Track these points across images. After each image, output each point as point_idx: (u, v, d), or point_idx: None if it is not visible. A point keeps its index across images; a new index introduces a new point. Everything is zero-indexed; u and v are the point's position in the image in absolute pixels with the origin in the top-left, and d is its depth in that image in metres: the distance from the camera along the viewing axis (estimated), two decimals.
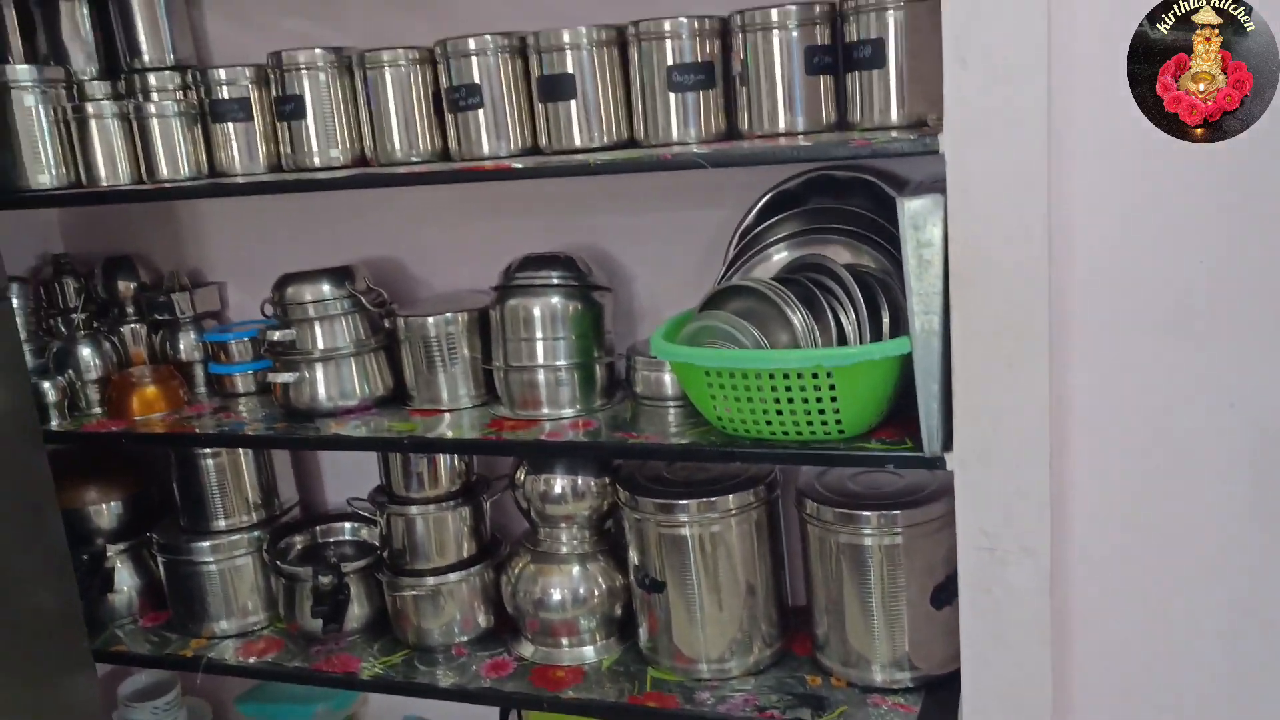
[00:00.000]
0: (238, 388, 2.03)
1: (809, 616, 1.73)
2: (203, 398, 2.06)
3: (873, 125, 1.51)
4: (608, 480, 1.79)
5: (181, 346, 2.07)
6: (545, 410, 1.73)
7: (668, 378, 1.70)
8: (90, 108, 1.81)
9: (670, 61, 1.57)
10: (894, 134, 1.44)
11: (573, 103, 1.62)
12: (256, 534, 2.02)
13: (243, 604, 2.03)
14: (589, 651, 1.82)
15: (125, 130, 1.83)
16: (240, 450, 2.00)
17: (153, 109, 1.80)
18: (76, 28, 1.94)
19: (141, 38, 1.92)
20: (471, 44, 1.65)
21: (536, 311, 1.71)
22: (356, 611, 1.95)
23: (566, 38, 1.61)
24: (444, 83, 1.70)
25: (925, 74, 1.41)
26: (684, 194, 1.80)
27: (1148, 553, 1.42)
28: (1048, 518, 1.38)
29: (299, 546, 2.05)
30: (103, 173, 1.83)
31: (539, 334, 1.72)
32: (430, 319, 1.80)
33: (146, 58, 1.93)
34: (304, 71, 1.76)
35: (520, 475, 1.82)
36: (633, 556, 1.74)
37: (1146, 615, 1.44)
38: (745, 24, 1.54)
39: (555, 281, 1.72)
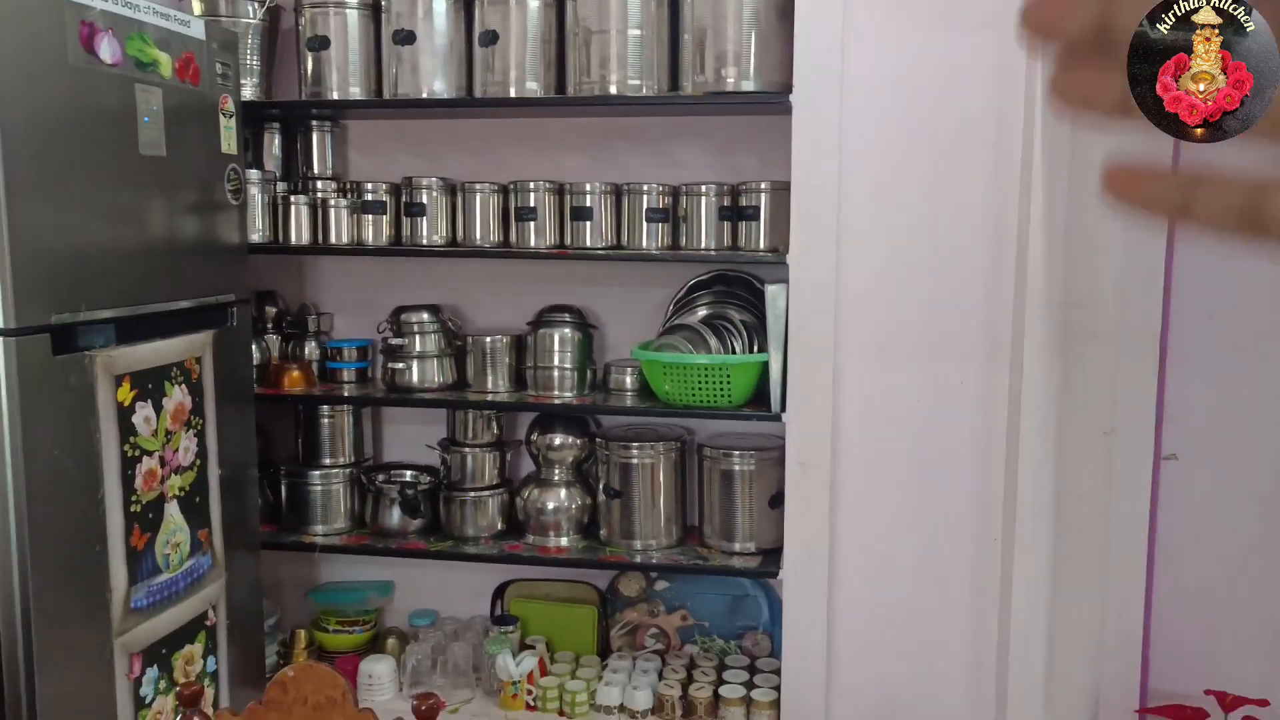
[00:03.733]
0: (343, 378, 3.20)
1: (699, 525, 3.05)
2: (318, 383, 3.22)
3: (751, 249, 2.92)
4: (586, 438, 3.08)
5: (306, 351, 3.24)
6: (556, 392, 3.02)
7: (628, 379, 3.03)
8: (293, 198, 3.02)
9: (645, 206, 2.95)
10: (762, 253, 2.86)
11: (588, 222, 2.97)
12: (349, 470, 3.18)
13: (335, 516, 3.17)
14: (566, 540, 3.07)
15: (310, 214, 3.04)
16: (344, 412, 3.17)
17: (332, 202, 3.03)
18: (272, 150, 3.16)
19: (314, 158, 3.17)
20: (531, 184, 2.98)
21: (556, 336, 3.02)
22: (419, 519, 3.13)
23: (588, 186, 2.96)
24: (512, 205, 3.01)
25: (779, 226, 2.85)
26: (642, 278, 3.15)
27: (882, 456, 2.83)
28: (829, 448, 2.78)
29: (380, 477, 3.21)
30: (292, 236, 3.03)
31: (556, 348, 3.02)
32: (488, 338, 3.07)
33: (315, 169, 3.18)
34: (424, 190, 3.04)
35: (534, 434, 3.08)
36: (602, 477, 3.03)
37: (885, 493, 2.85)
38: (688, 190, 2.94)
39: (568, 320, 3.04)
